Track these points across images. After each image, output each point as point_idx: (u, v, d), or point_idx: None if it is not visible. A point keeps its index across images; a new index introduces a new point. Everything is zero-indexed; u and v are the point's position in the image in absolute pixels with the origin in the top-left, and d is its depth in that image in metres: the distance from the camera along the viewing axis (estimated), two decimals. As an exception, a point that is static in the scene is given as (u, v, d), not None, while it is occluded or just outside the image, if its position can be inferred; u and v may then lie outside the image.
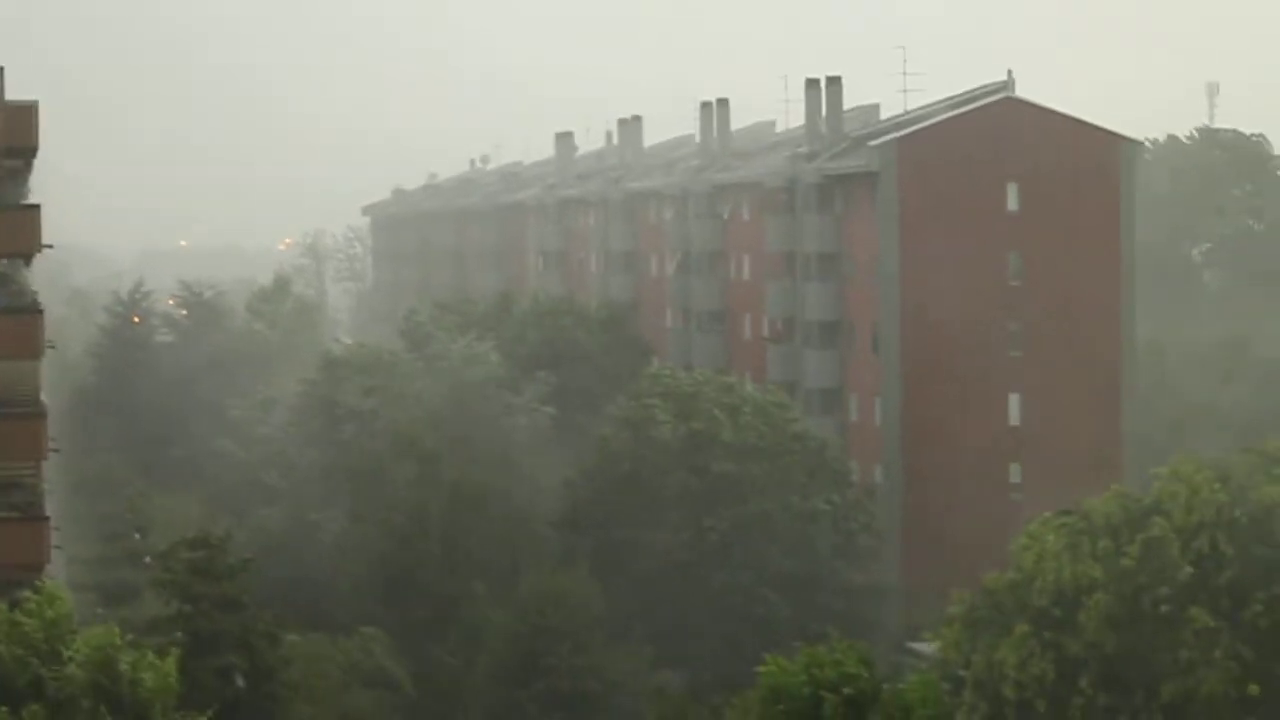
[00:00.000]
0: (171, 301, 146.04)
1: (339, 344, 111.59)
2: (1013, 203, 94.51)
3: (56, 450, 70.97)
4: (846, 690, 43.05)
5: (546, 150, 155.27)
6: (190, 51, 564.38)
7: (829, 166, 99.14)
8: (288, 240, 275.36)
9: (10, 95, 63.96)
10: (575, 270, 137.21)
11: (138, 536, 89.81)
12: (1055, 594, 61.34)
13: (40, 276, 73.86)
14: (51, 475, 76.85)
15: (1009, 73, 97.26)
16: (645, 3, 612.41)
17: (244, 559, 61.74)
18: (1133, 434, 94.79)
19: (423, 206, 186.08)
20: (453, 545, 75.80)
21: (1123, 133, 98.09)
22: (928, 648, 68.72)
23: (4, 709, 45.51)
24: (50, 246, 65.33)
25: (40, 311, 63.98)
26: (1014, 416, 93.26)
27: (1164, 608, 60.24)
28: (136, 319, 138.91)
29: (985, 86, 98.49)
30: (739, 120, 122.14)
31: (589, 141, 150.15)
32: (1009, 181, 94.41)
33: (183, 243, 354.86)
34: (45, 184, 72.05)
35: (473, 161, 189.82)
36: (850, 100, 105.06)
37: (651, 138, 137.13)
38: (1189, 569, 60.56)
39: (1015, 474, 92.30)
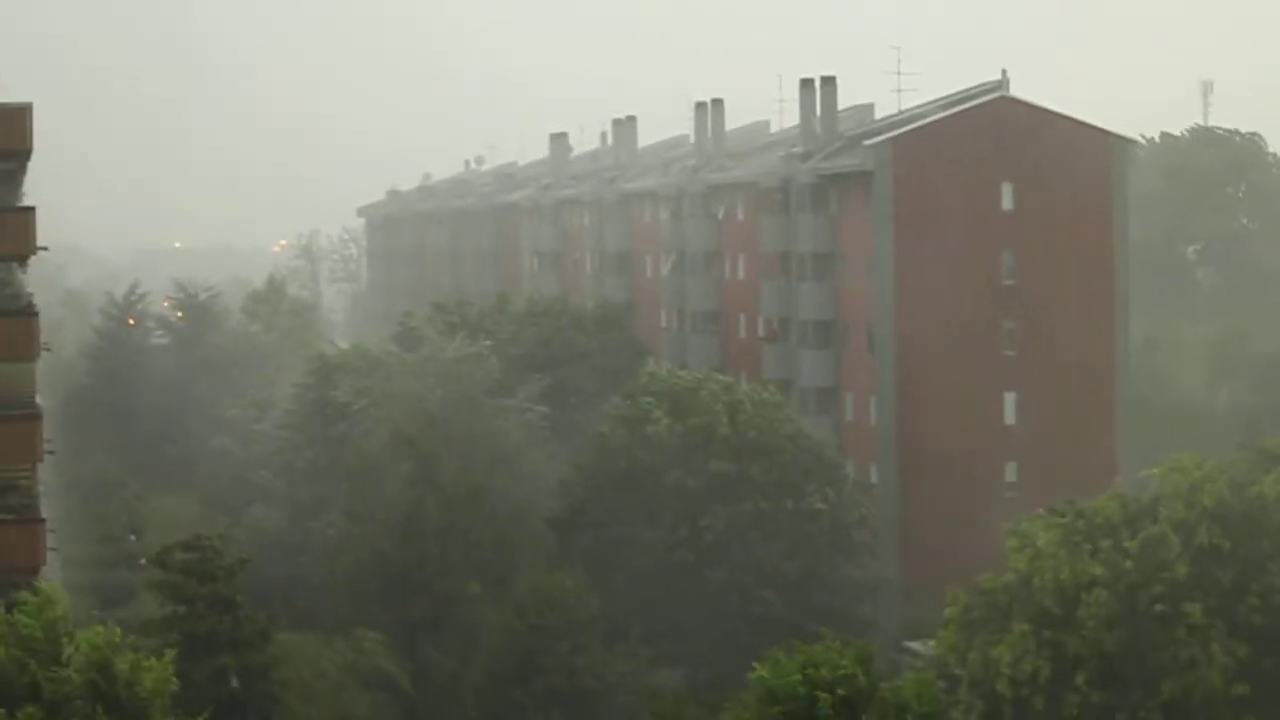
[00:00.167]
0: (166, 303, 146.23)
1: (332, 346, 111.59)
2: (1007, 202, 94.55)
3: (52, 452, 70.99)
4: (842, 690, 43.12)
5: (541, 151, 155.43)
6: (185, 52, 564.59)
7: (824, 166, 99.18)
8: (283, 241, 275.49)
9: (4, 97, 63.99)
10: (570, 271, 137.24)
11: (133, 538, 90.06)
12: (1055, 593, 61.40)
13: (35, 278, 73.90)
14: (47, 477, 76.97)
15: (1003, 72, 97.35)
16: (639, 3, 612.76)
17: (239, 560, 61.78)
18: (1128, 433, 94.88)
19: (417, 207, 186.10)
20: (449, 544, 75.83)
21: (1117, 131, 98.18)
22: (924, 646, 68.81)
23: (1, 711, 45.51)
24: (45, 248, 65.31)
25: (35, 313, 63.97)
26: (1009, 415, 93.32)
27: (1159, 607, 60.31)
28: (131, 321, 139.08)
29: (980, 86, 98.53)
30: (734, 120, 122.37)
31: (584, 142, 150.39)
32: (1003, 180, 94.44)
33: (178, 244, 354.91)
34: (40, 186, 72.11)
35: (467, 162, 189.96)
36: (845, 100, 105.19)
37: (646, 138, 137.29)
38: (1183, 567, 60.64)
39: (1011, 473, 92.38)
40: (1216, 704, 59.62)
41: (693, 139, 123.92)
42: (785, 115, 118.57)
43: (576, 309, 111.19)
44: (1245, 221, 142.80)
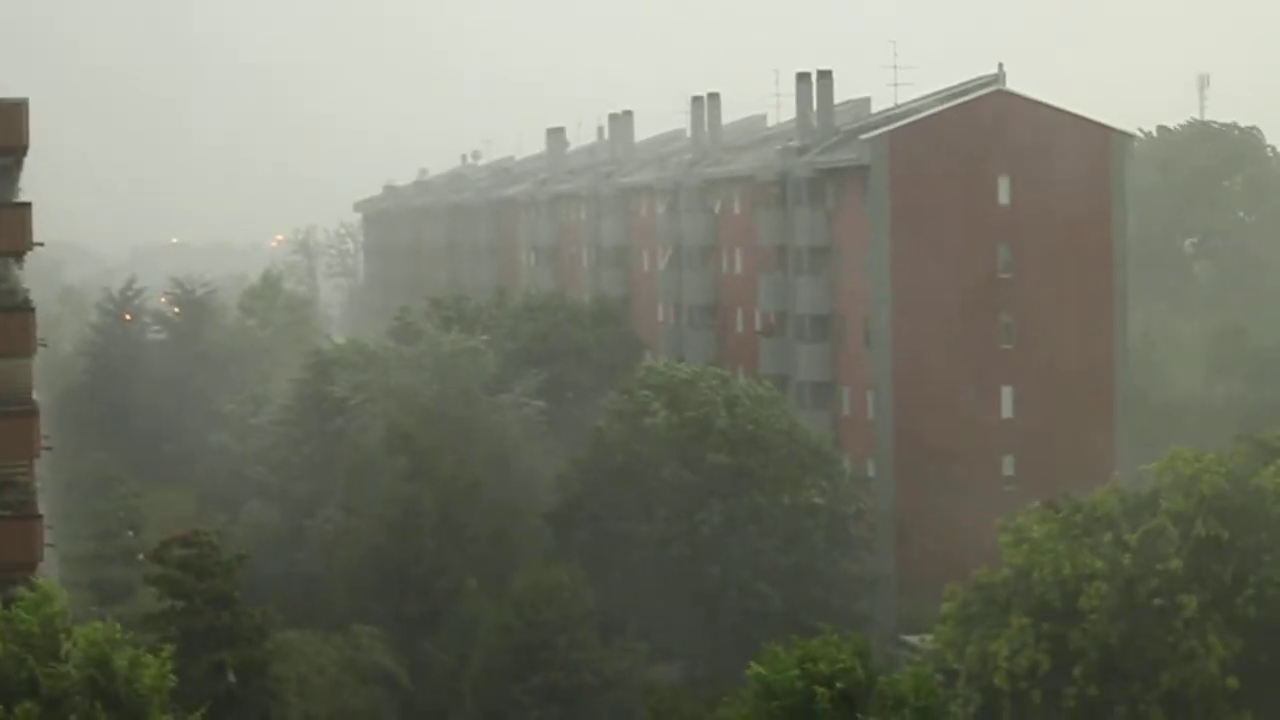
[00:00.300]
0: (164, 299, 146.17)
1: (329, 341, 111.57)
2: (1004, 196, 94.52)
3: (49, 448, 71.01)
4: (840, 684, 43.17)
5: (538, 146, 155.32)
6: (183, 50, 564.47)
7: (820, 160, 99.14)
8: (280, 236, 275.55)
9: (1, 93, 63.94)
10: (567, 265, 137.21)
11: (131, 534, 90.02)
12: (1057, 586, 61.43)
13: (32, 274, 73.93)
14: (44, 473, 76.94)
15: (1000, 66, 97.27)
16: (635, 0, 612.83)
17: (236, 555, 61.78)
18: (1125, 427, 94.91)
19: (414, 202, 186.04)
20: (446, 540, 75.83)
21: (1114, 125, 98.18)
22: (922, 641, 68.85)
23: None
24: (41, 244, 65.34)
25: (32, 309, 63.98)
26: (1006, 409, 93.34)
27: (1157, 601, 60.38)
28: (128, 316, 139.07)
29: (976, 80, 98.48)
30: (730, 114, 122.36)
31: (580, 137, 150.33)
32: (1000, 174, 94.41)
33: (174, 239, 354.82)
34: (36, 181, 72.12)
35: (464, 157, 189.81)
36: (841, 94, 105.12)
37: (643, 132, 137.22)
38: (1179, 561, 60.70)
39: (1008, 466, 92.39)
40: (1214, 696, 59.71)
41: (689, 133, 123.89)
42: (781, 109, 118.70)
43: (573, 304, 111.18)
44: (1242, 215, 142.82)
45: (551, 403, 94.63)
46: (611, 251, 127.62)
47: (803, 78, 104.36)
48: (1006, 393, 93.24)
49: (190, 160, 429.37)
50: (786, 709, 43.22)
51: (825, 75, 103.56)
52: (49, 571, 65.80)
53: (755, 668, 44.24)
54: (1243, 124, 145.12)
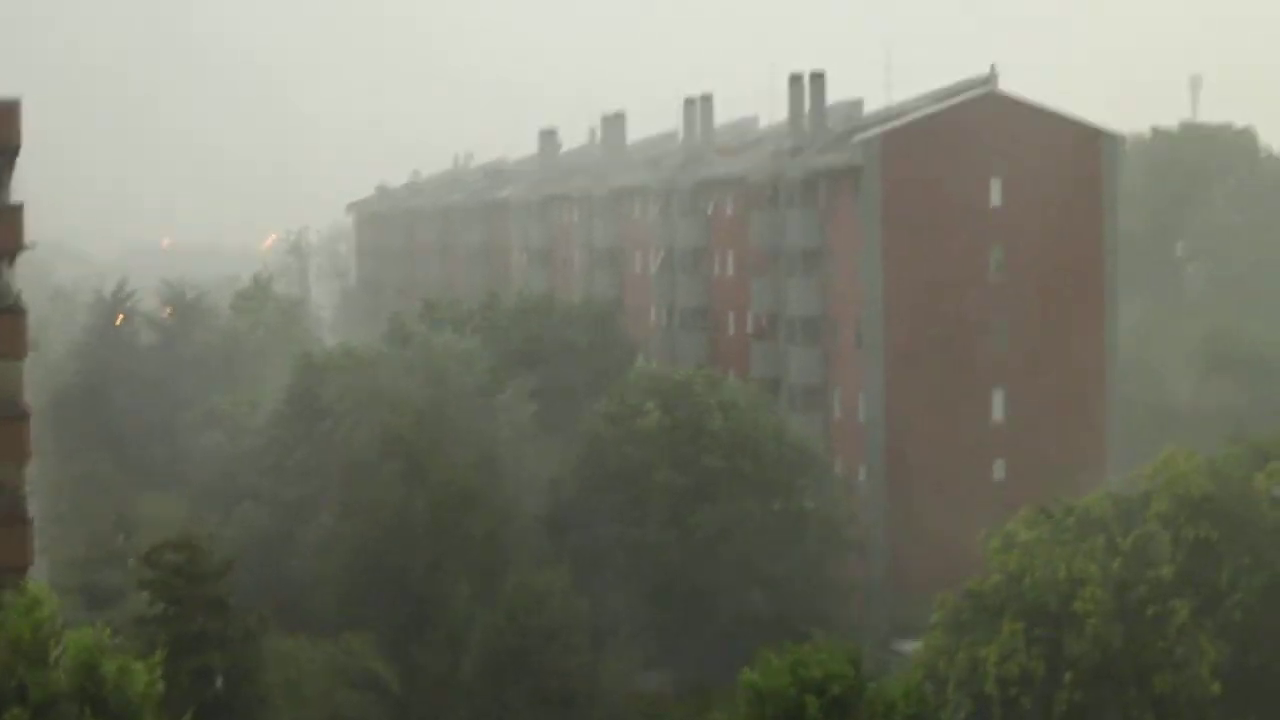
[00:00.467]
0: (156, 302, 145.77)
1: (319, 345, 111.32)
2: (996, 197, 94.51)
3: (39, 452, 70.80)
4: (831, 690, 43.16)
5: (530, 147, 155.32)
6: (174, 50, 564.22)
7: (812, 162, 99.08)
8: (272, 238, 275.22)
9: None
10: (560, 267, 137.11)
11: (122, 538, 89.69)
12: (1051, 590, 61.33)
13: (23, 276, 73.67)
14: (34, 477, 76.63)
15: (992, 67, 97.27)
16: (627, 1, 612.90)
17: (226, 561, 61.64)
18: (1116, 430, 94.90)
19: (407, 204, 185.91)
20: (438, 544, 75.65)
21: (1106, 127, 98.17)
22: (913, 646, 68.75)
23: (-13, 712, 45.40)
24: (32, 246, 65.18)
25: (23, 311, 63.82)
26: (998, 412, 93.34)
27: (1151, 609, 60.30)
28: (120, 318, 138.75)
29: (968, 81, 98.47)
30: (722, 116, 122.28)
31: (573, 138, 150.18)
32: (992, 176, 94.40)
33: (166, 241, 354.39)
34: (27, 183, 71.90)
35: (456, 158, 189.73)
36: (833, 95, 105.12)
37: (635, 134, 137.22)
38: (1169, 567, 60.65)
39: (1000, 470, 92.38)
40: (1204, 702, 59.66)
41: (681, 135, 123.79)
42: (774, 110, 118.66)
43: (566, 306, 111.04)
44: (1234, 217, 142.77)
45: (544, 405, 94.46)
46: (604, 253, 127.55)
47: (795, 79, 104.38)
48: (998, 396, 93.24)
49: (177, 159, 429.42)
50: (778, 715, 43.20)
51: (817, 77, 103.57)
52: (39, 576, 65.61)
53: (747, 673, 44.24)
54: (1237, 125, 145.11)
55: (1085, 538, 62.75)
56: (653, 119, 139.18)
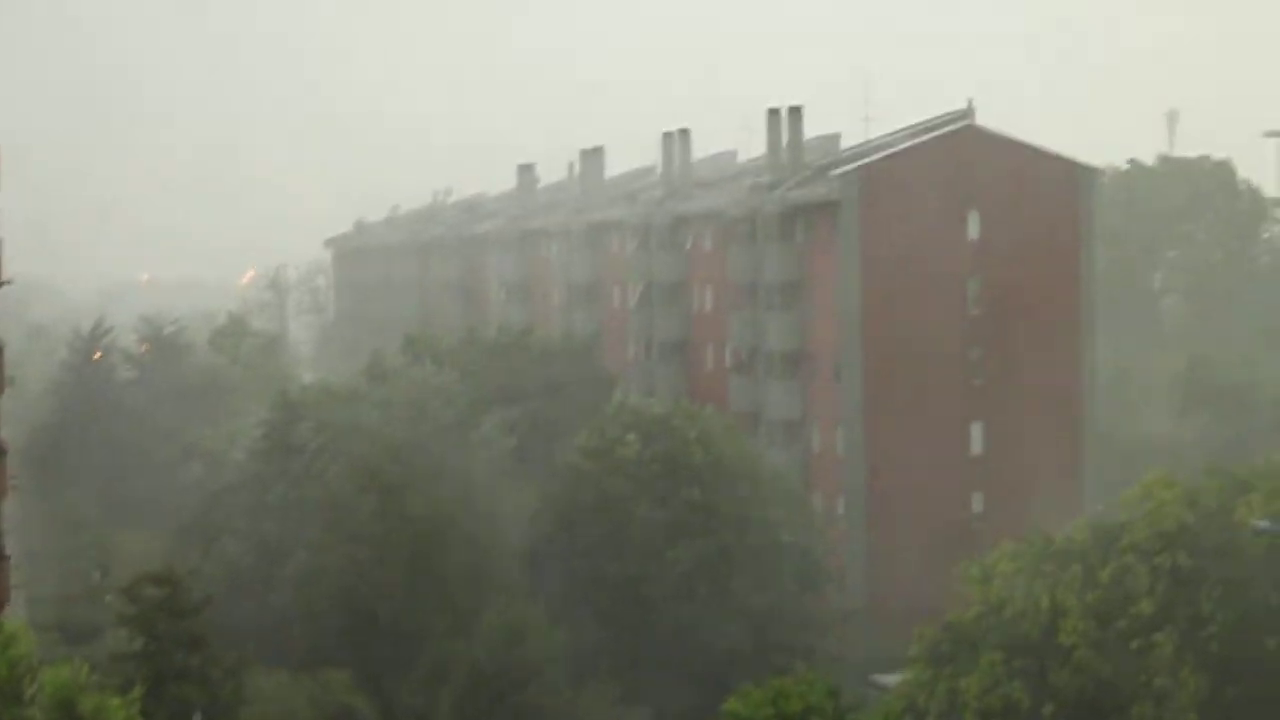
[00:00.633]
0: (134, 338, 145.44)
1: (295, 382, 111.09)
2: (973, 231, 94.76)
3: (16, 487, 70.63)
4: (810, 723, 43.14)
5: (508, 182, 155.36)
6: (151, 84, 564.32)
7: (790, 196, 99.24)
8: (250, 273, 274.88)
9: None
10: (538, 302, 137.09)
11: (98, 575, 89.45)
12: (1033, 620, 61.24)
13: (-1, 312, 73.57)
14: (11, 513, 76.48)
15: (969, 101, 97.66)
16: (606, 35, 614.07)
17: (205, 596, 61.44)
18: (1094, 462, 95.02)
19: (385, 239, 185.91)
20: (416, 579, 75.42)
21: (1083, 160, 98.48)
22: (892, 679, 68.64)
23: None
24: (9, 282, 65.10)
25: (0, 347, 63.67)
26: (976, 445, 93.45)
27: (1135, 643, 60.21)
28: (97, 354, 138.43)
29: (946, 115, 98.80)
30: (700, 150, 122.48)
31: (550, 173, 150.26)
32: (970, 210, 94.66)
33: (144, 277, 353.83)
34: (4, 220, 71.82)
35: (435, 194, 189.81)
36: (811, 129, 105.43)
37: (613, 169, 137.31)
38: (1147, 600, 60.56)
39: (978, 503, 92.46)
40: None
41: (659, 169, 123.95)
42: (752, 145, 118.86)
43: (544, 340, 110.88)
44: (1212, 250, 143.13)
45: (523, 440, 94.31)
46: (582, 288, 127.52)
47: (773, 113, 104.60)
48: (976, 429, 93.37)
49: (155, 196, 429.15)
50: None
51: (795, 111, 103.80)
52: (16, 613, 65.39)
53: (730, 705, 44.20)
54: (1214, 158, 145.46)
55: (1066, 567, 62.66)
56: (631, 153, 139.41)
